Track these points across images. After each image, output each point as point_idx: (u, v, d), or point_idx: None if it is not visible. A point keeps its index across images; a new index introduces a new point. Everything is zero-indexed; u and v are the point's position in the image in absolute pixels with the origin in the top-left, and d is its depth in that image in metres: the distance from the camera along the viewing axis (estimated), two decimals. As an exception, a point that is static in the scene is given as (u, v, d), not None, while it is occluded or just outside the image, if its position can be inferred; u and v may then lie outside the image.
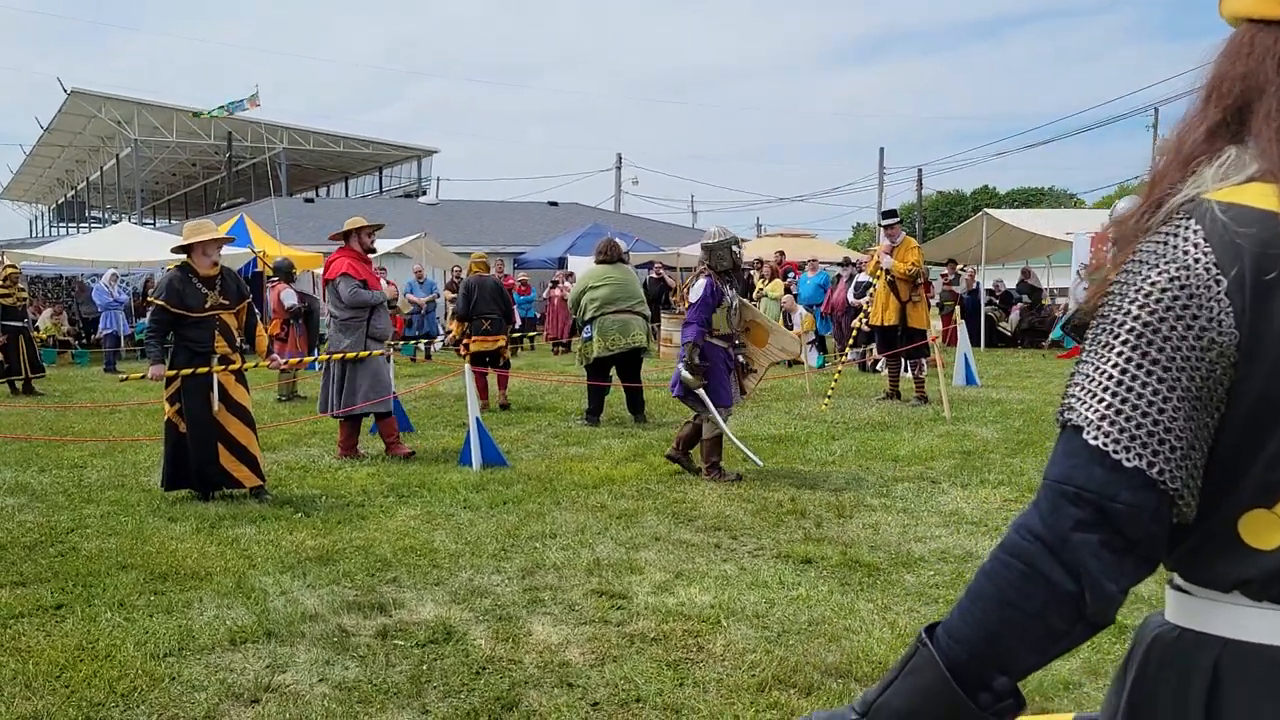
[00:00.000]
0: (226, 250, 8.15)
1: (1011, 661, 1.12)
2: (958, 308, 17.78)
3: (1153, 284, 1.09)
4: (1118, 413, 1.09)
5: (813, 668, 3.91)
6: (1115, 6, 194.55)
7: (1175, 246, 1.09)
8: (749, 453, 7.51)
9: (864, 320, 12.20)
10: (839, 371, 12.31)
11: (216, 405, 6.82)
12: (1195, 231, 1.09)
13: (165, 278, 7.01)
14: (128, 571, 5.32)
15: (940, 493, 6.96)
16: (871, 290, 12.67)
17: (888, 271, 11.31)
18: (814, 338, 16.95)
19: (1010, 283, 22.55)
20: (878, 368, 13.95)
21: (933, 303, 16.85)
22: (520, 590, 4.98)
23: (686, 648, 4.19)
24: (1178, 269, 1.08)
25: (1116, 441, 1.08)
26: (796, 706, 3.60)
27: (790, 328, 17.07)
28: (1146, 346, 1.09)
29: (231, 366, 6.95)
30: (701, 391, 7.13)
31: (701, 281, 7.25)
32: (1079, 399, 1.13)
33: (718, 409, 7.16)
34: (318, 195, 50.67)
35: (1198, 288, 1.07)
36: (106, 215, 58.76)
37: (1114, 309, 1.13)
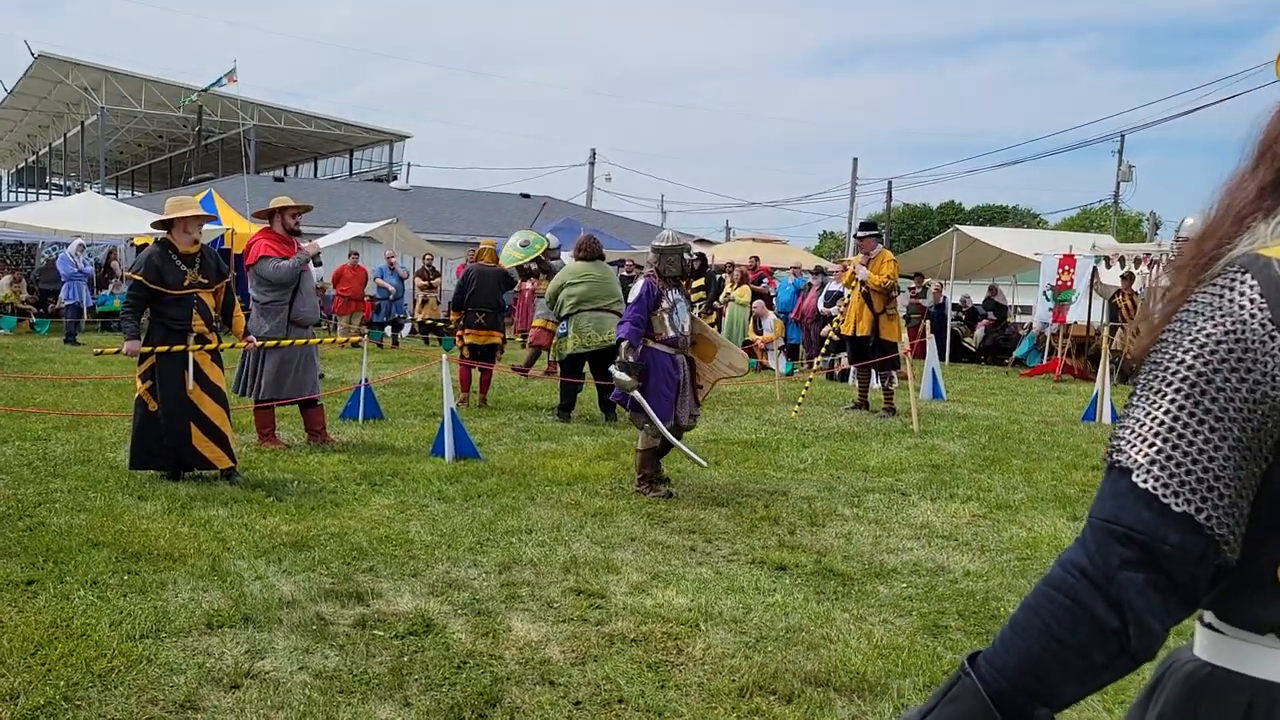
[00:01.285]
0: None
1: (1053, 693, 1.14)
2: (926, 321, 17.95)
3: (1207, 335, 1.12)
4: (1168, 458, 1.12)
5: (792, 675, 3.95)
6: (1079, 33, 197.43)
7: (1230, 300, 1.12)
8: (693, 455, 7.06)
9: (834, 329, 12.30)
10: (809, 379, 12.40)
11: (191, 384, 6.74)
12: (1251, 286, 1.12)
13: (145, 253, 6.92)
14: (99, 549, 5.25)
15: (910, 505, 7.04)
16: (843, 300, 12.79)
17: (863, 283, 11.41)
18: (784, 344, 17.06)
19: (977, 299, 22.82)
20: (847, 378, 14.06)
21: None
22: (498, 585, 4.98)
23: (666, 650, 4.21)
24: (1233, 322, 1.11)
25: (1166, 486, 1.11)
26: (778, 713, 3.64)
27: (760, 333, 17.19)
28: (1199, 396, 1.11)
29: (208, 346, 6.88)
30: (638, 395, 6.77)
31: (641, 281, 7.12)
32: (1129, 442, 1.15)
33: (649, 421, 6.81)
34: (286, 174, 50.13)
35: (1252, 342, 1.10)
36: (68, 183, 57.73)
37: (1167, 356, 1.15)
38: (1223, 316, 1.12)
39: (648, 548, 5.73)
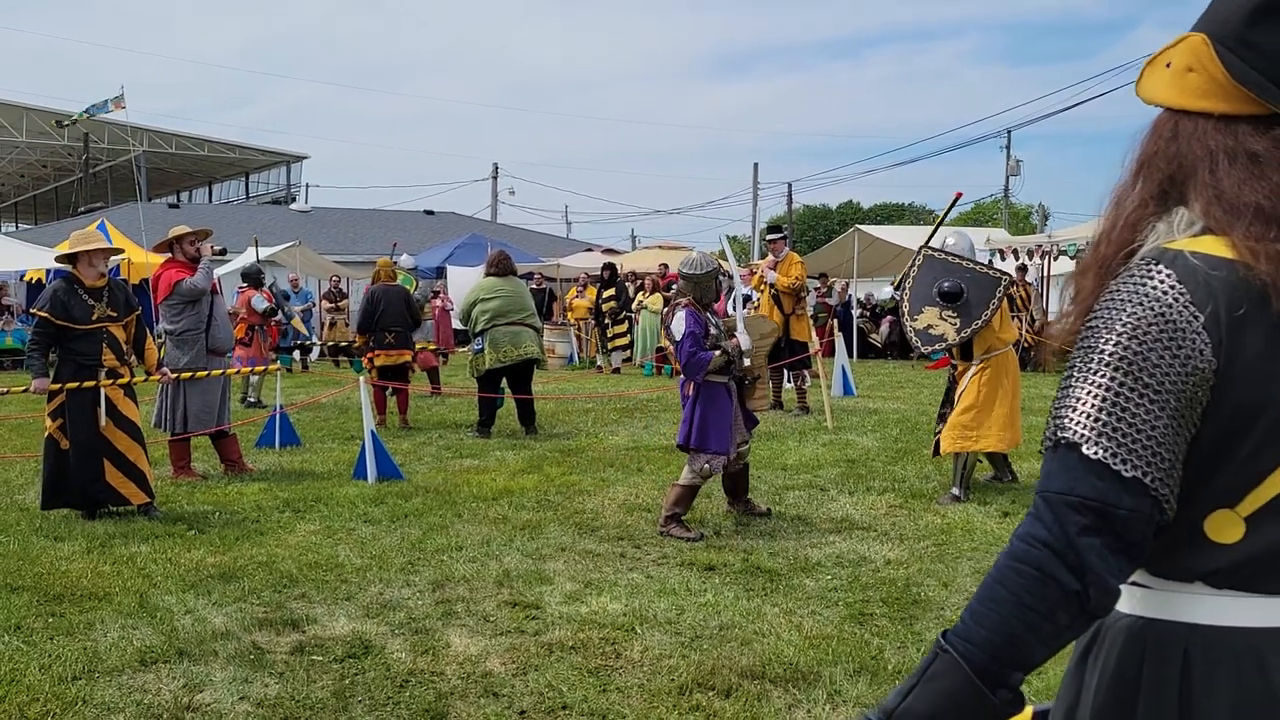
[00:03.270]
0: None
1: (1026, 657, 1.26)
2: (833, 320, 18.35)
3: (1138, 319, 1.26)
4: (1114, 429, 1.24)
5: (729, 670, 4.09)
6: (962, 33, 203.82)
7: (1152, 287, 1.27)
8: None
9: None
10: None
11: (104, 420, 6.61)
12: (1168, 275, 1.27)
13: (50, 288, 6.76)
14: (19, 594, 5.14)
15: (829, 500, 7.26)
16: (752, 303, 13.03)
17: (772, 285, 11.66)
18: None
19: (880, 296, 23.38)
20: (759, 379, 14.30)
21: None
22: (432, 603, 5.01)
23: (605, 655, 4.31)
24: (1160, 307, 1.25)
25: (1114, 455, 1.24)
26: (718, 708, 3.76)
27: (673, 339, 17.38)
28: (1138, 372, 1.25)
29: (120, 381, 6.75)
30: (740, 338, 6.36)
31: (681, 314, 6.37)
32: (1072, 419, 1.27)
33: (713, 456, 6.32)
34: (180, 200, 48.83)
35: (1179, 323, 1.24)
36: (-53, 217, 55.40)
37: (1100, 340, 1.28)
38: (1150, 302, 1.26)
39: (578, 557, 5.82)
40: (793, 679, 4.00)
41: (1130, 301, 1.28)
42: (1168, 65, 1.36)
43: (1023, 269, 18.16)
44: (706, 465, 6.32)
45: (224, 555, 5.86)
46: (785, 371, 12.21)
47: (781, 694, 3.88)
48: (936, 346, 7.20)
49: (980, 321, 7.07)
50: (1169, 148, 1.35)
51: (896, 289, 7.76)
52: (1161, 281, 1.27)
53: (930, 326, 7.17)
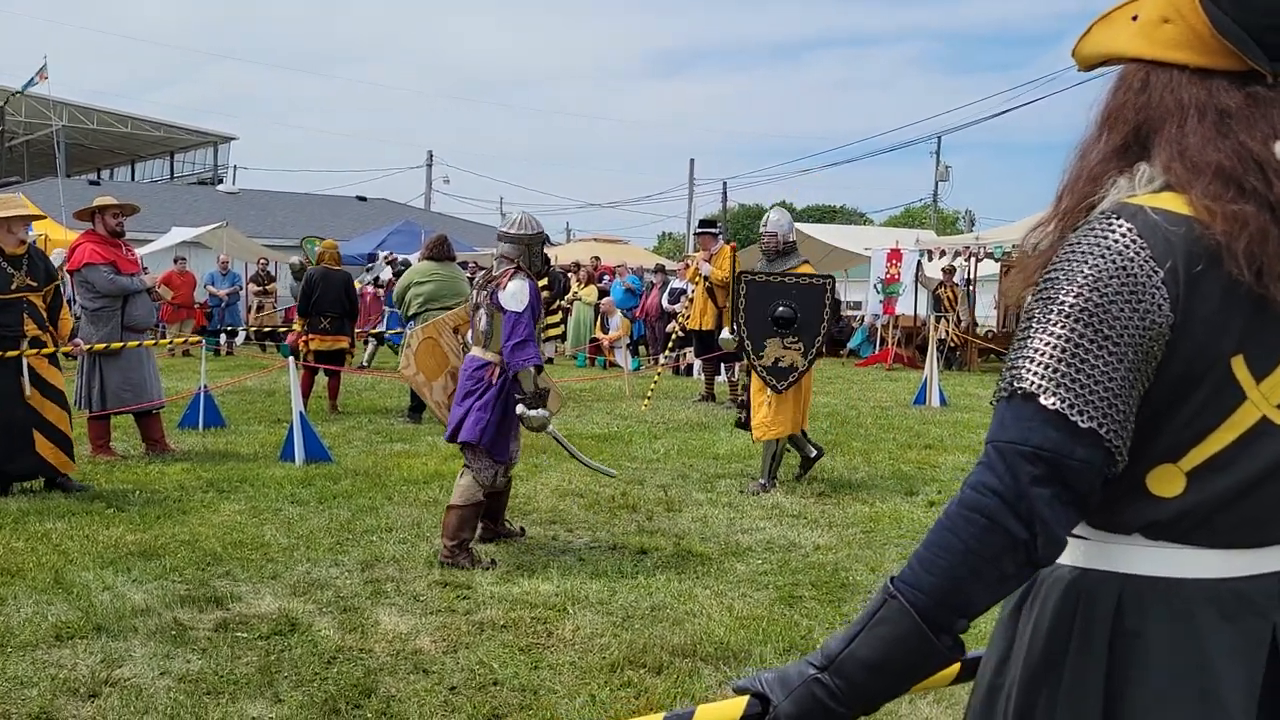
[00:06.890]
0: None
1: (971, 604, 1.26)
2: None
3: (1100, 271, 1.25)
4: (1072, 380, 1.24)
5: (660, 649, 4.10)
6: (902, 40, 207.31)
7: (1113, 240, 1.27)
8: (601, 467, 6.11)
9: (680, 325, 12.58)
10: (658, 374, 12.64)
11: (28, 390, 6.41)
12: (1129, 230, 1.27)
13: (-34, 256, 6.52)
14: (-74, 568, 4.95)
15: (760, 488, 7.31)
16: (686, 296, 13.09)
17: (706, 278, 11.71)
18: (630, 341, 17.29)
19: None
20: (693, 372, 14.40)
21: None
22: (361, 582, 4.95)
23: (536, 633, 4.30)
24: (1122, 260, 1.25)
25: (1072, 406, 1.23)
26: (649, 684, 3.77)
27: (607, 331, 17.39)
28: (1098, 325, 1.24)
29: (44, 350, 6.55)
30: (554, 428, 5.50)
31: (522, 282, 5.31)
32: (1029, 369, 1.27)
33: (498, 465, 5.45)
34: (101, 178, 47.45)
35: (1140, 277, 1.24)
36: None
37: (1060, 292, 1.27)
38: (1112, 255, 1.25)
39: (510, 539, 5.78)
40: (723, 657, 4.03)
41: (1091, 254, 1.27)
42: (1134, 18, 1.35)
43: (950, 270, 18.51)
44: (493, 473, 5.42)
45: (144, 533, 5.71)
46: (719, 364, 12.28)
47: (712, 671, 3.91)
48: (791, 380, 7.02)
49: (821, 337, 7.06)
50: (1138, 99, 1.35)
51: (733, 331, 7.58)
52: (1123, 235, 1.26)
53: (778, 360, 7.05)
